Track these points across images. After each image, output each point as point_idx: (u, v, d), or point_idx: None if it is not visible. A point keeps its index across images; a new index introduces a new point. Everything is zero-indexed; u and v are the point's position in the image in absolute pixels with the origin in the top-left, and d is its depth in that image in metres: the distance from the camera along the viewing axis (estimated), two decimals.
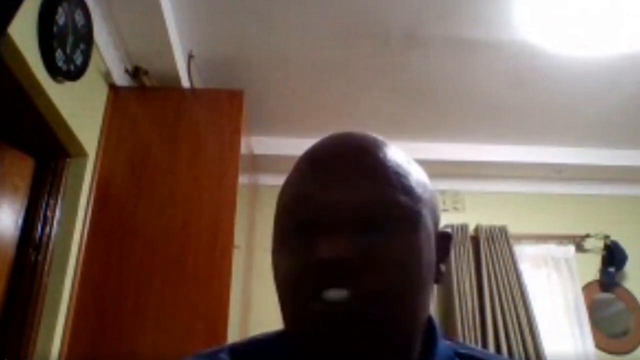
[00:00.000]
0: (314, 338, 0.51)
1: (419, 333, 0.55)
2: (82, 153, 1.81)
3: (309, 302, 0.50)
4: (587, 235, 3.15)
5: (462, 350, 0.62)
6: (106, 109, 2.00)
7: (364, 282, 0.49)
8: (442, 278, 0.58)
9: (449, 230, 0.62)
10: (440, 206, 0.63)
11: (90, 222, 1.82)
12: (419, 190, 0.55)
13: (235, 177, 1.98)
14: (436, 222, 0.58)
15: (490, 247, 2.97)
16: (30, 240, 1.61)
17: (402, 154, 0.58)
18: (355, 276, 0.49)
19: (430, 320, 0.59)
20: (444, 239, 0.59)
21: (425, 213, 0.55)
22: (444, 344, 0.61)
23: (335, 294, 0.49)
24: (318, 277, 0.50)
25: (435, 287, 0.59)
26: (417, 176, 0.57)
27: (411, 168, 0.57)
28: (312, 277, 0.50)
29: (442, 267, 0.59)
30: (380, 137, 0.59)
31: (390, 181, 0.53)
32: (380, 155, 0.55)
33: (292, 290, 0.53)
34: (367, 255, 0.50)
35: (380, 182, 0.53)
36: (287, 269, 0.54)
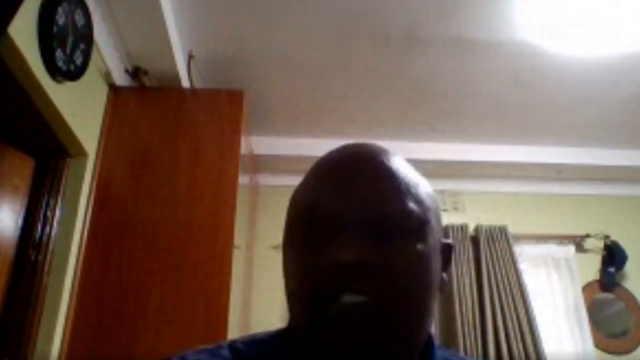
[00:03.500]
0: (331, 339, 0.52)
1: (424, 338, 0.57)
2: (82, 153, 1.81)
3: (327, 304, 0.51)
4: (587, 235, 3.15)
5: (453, 359, 0.65)
6: (106, 109, 2.00)
7: (381, 286, 0.51)
8: (445, 287, 0.60)
9: (451, 241, 0.64)
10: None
11: (90, 222, 1.82)
12: (428, 200, 0.58)
13: (235, 177, 1.98)
14: (441, 232, 0.61)
15: (490, 247, 2.97)
16: (30, 240, 1.61)
17: (409, 166, 0.61)
18: (373, 280, 0.51)
19: None
20: (447, 249, 0.61)
21: (433, 222, 0.58)
22: (439, 352, 0.63)
23: (353, 297, 0.50)
24: (337, 279, 0.51)
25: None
26: (425, 187, 0.60)
27: (419, 179, 0.60)
28: (331, 280, 0.52)
29: (445, 276, 0.61)
30: (388, 149, 0.61)
31: (404, 191, 0.56)
32: (393, 166, 0.58)
33: (308, 292, 0.54)
34: (384, 260, 0.52)
35: (395, 192, 0.55)
36: (302, 270, 0.55)
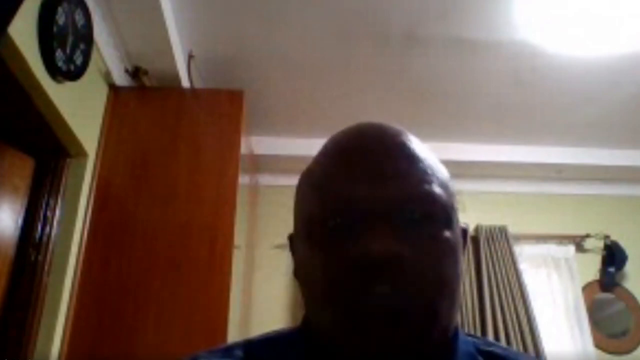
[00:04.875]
0: (365, 333, 0.50)
1: (454, 326, 0.56)
2: (82, 153, 1.81)
3: (358, 298, 0.50)
4: (587, 235, 3.15)
5: (484, 347, 0.62)
6: (106, 109, 2.00)
7: (415, 277, 0.50)
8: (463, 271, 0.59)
9: (465, 225, 0.62)
10: None
11: (90, 222, 1.82)
12: (450, 185, 0.57)
13: (235, 177, 1.98)
14: (458, 217, 0.59)
15: (490, 247, 2.97)
16: (30, 240, 1.61)
17: (426, 148, 0.58)
18: (407, 272, 0.50)
19: None
20: (464, 234, 0.60)
21: (456, 208, 0.57)
22: (464, 338, 0.61)
23: (386, 288, 0.49)
24: (371, 274, 0.49)
25: None
26: (445, 171, 0.58)
27: (438, 162, 0.58)
28: (364, 275, 0.50)
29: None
30: (403, 129, 0.59)
31: (429, 177, 0.54)
32: (417, 149, 0.55)
33: (335, 287, 0.51)
34: (416, 251, 0.50)
35: (422, 179, 0.53)
36: (325, 265, 0.52)
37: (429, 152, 0.57)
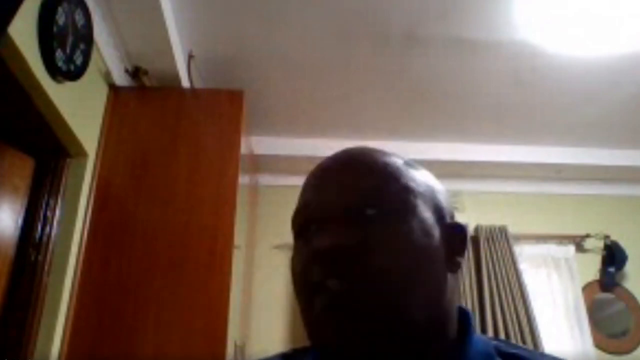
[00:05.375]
0: (323, 326, 0.53)
1: (433, 321, 0.56)
2: (82, 153, 1.81)
3: (313, 298, 0.54)
4: (587, 235, 3.15)
5: (506, 349, 0.61)
6: (106, 109, 2.00)
7: (362, 265, 0.53)
8: (457, 269, 0.60)
9: (461, 222, 0.63)
10: (450, 204, 0.65)
11: (90, 222, 1.82)
12: (411, 184, 0.59)
13: (235, 177, 1.98)
14: (440, 216, 0.61)
15: (490, 247, 2.97)
16: (30, 240, 1.61)
17: (396, 159, 0.62)
18: (352, 260, 0.53)
19: (463, 313, 0.61)
20: (455, 231, 0.61)
21: (420, 205, 0.58)
22: (481, 339, 0.61)
23: (332, 282, 0.52)
24: (319, 267, 0.54)
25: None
26: (412, 174, 0.61)
27: (405, 169, 0.61)
28: (310, 271, 0.55)
29: (459, 259, 0.60)
30: (378, 149, 0.64)
31: (376, 178, 0.58)
32: (370, 159, 0.61)
33: (299, 287, 0.58)
34: (359, 240, 0.54)
35: (376, 182, 0.58)
36: (295, 269, 0.59)
37: (393, 162, 0.61)
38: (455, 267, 0.60)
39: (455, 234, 0.61)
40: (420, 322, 0.54)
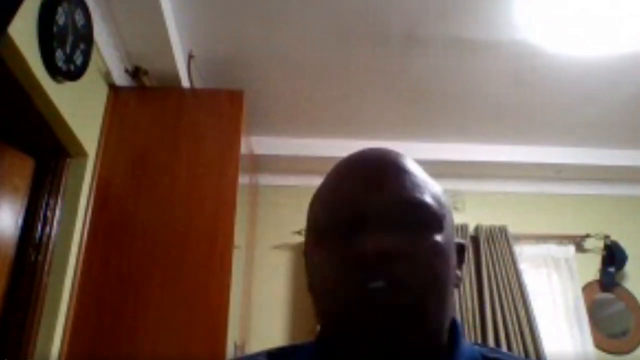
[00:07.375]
0: (364, 326, 0.54)
1: (446, 327, 0.59)
2: (82, 153, 1.81)
3: (356, 294, 0.54)
4: (587, 235, 3.14)
5: (491, 355, 0.65)
6: (106, 109, 2.00)
7: (404, 273, 0.54)
8: (459, 283, 0.64)
9: (464, 241, 0.68)
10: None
11: (90, 222, 1.82)
12: (442, 198, 0.63)
13: (235, 177, 1.98)
14: (454, 232, 0.64)
15: (490, 247, 2.97)
16: (30, 240, 1.61)
17: (420, 167, 0.66)
18: (397, 267, 0.54)
19: (453, 321, 0.63)
20: (461, 249, 0.65)
21: (448, 219, 0.62)
22: (469, 345, 0.64)
23: (380, 284, 0.53)
24: (363, 269, 0.54)
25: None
26: (438, 187, 0.65)
27: (432, 180, 0.65)
28: (358, 270, 0.55)
29: (459, 274, 0.64)
30: (402, 153, 0.66)
31: (422, 186, 0.61)
32: (411, 165, 0.63)
33: (339, 285, 0.56)
34: (406, 249, 0.55)
35: (415, 187, 0.60)
36: (329, 265, 0.58)
37: (422, 170, 0.64)
38: (458, 281, 0.63)
39: (460, 251, 0.65)
40: (438, 332, 0.58)
